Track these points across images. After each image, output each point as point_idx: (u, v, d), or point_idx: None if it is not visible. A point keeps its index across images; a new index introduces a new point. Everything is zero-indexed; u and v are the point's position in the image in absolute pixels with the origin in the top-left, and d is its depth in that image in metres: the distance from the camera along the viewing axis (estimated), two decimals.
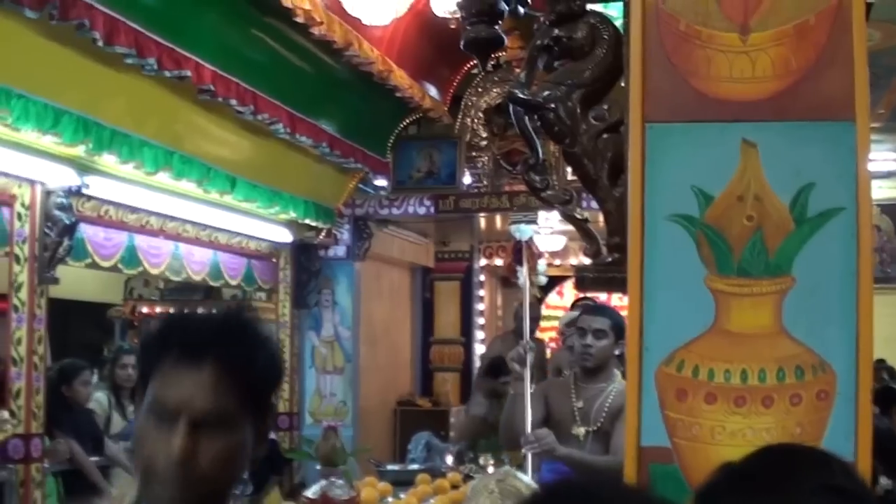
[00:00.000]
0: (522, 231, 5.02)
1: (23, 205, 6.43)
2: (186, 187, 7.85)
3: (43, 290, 6.57)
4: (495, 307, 14.27)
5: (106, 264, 7.61)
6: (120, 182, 7.24)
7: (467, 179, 10.80)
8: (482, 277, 13.25)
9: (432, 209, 10.47)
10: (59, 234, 6.54)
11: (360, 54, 7.92)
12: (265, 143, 8.19)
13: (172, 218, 8.34)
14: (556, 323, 12.21)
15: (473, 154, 10.79)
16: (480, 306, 13.10)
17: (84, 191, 6.82)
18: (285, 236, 10.04)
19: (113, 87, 6.35)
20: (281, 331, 10.29)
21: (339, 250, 10.69)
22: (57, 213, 6.55)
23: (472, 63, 9.30)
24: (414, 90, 9.15)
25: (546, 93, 2.51)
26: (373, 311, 11.47)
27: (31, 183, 6.47)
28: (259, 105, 7.42)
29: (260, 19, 7.11)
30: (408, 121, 10.24)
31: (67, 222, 6.59)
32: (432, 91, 9.88)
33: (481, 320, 13.01)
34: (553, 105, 2.47)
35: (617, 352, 4.51)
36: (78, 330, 15.19)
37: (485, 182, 10.70)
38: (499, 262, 12.99)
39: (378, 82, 8.58)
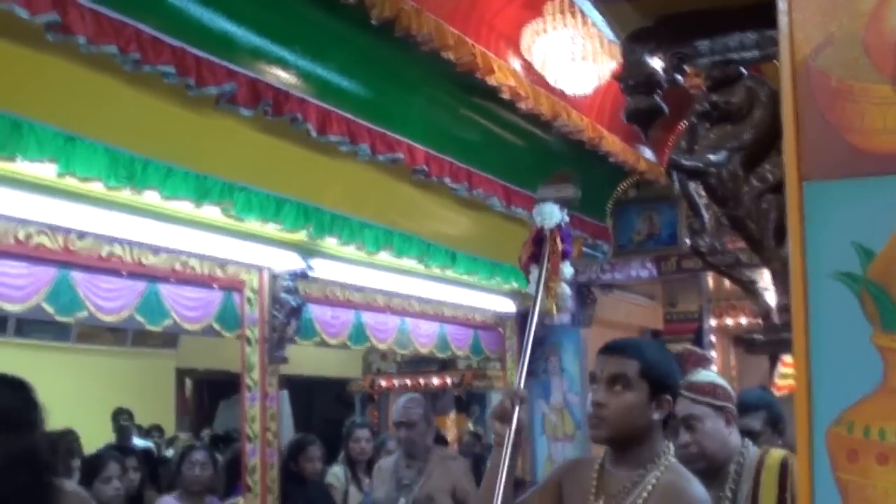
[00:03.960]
0: (546, 214, 2.95)
1: (252, 289, 6.82)
2: (408, 264, 8.11)
3: (273, 369, 6.91)
4: (729, 368, 13.92)
5: (334, 342, 7.95)
6: (343, 263, 7.57)
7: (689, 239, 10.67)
8: (713, 338, 12.98)
9: (655, 271, 10.39)
10: (286, 316, 6.90)
11: (570, 124, 7.99)
12: (482, 216, 8.37)
13: (397, 294, 8.62)
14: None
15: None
16: (713, 368, 12.80)
17: (309, 273, 7.17)
18: (509, 306, 10.17)
19: (329, 174, 6.67)
20: None
21: (564, 317, 10.71)
22: (284, 295, 6.92)
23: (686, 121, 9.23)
24: (627, 154, 9.16)
25: (707, 158, 2.51)
26: None
27: (259, 269, 6.87)
28: (473, 181, 7.61)
29: (467, 99, 7.32)
30: (625, 184, 10.24)
31: (294, 304, 6.94)
32: (647, 153, 9.85)
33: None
34: (714, 170, 2.48)
35: (656, 416, 2.76)
36: (321, 405, 15.82)
37: (707, 240, 10.51)
38: (729, 321, 12.71)
39: (590, 149, 8.64)
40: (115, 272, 6.03)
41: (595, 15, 2.57)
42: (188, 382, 15.21)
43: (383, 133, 6.57)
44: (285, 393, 10.78)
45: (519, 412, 2.66)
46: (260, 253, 6.77)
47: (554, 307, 2.90)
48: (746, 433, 3.93)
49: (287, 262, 6.99)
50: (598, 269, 10.71)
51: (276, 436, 6.87)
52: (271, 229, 6.57)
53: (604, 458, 2.88)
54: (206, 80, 5.11)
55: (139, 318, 6.31)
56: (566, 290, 2.92)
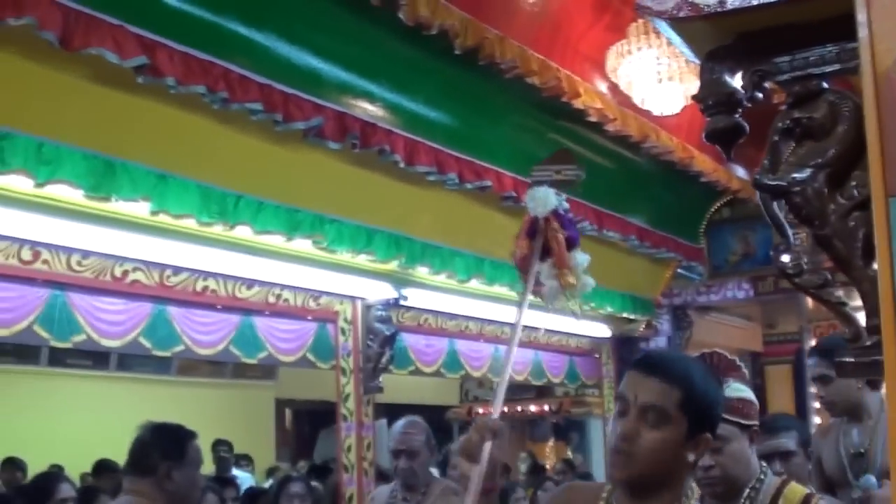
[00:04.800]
0: (539, 200, 2.41)
1: (345, 320, 6.88)
2: (500, 291, 8.09)
3: (369, 399, 6.95)
4: None
5: (428, 370, 7.96)
6: (435, 291, 7.59)
7: (786, 258, 10.44)
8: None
9: (751, 292, 10.22)
10: (380, 345, 6.94)
11: (659, 144, 7.92)
12: None
13: (490, 321, 8.61)
14: None
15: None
16: (815, 389, 12.49)
17: (402, 302, 7.20)
18: (605, 331, 10.08)
19: (419, 203, 6.71)
20: (608, 425, 10.28)
21: (660, 341, 10.60)
22: (377, 325, 6.96)
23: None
24: (719, 173, 9.03)
25: (791, 176, 2.45)
26: None
27: (352, 299, 6.93)
28: None
29: (554, 123, 7.30)
30: (718, 204, 10.10)
31: (387, 333, 6.98)
32: (740, 172, 9.70)
33: (817, 404, 12.38)
34: (798, 188, 2.41)
35: (692, 457, 2.18)
36: None
37: (804, 259, 10.30)
38: None
39: (681, 169, 8.54)
40: (210, 306, 6.13)
41: (672, 35, 2.52)
42: (288, 413, 15.34)
43: (471, 161, 6.59)
44: (384, 422, 10.82)
45: (492, 448, 2.02)
46: (352, 284, 6.83)
47: (576, 305, 2.34)
48: (782, 453, 3.71)
49: (379, 291, 7.03)
50: (693, 291, 10.57)
51: (371, 465, 6.90)
52: (363, 260, 6.62)
53: (610, 493, 2.31)
54: (293, 115, 5.18)
55: (235, 350, 6.40)
56: (587, 280, 2.36)
